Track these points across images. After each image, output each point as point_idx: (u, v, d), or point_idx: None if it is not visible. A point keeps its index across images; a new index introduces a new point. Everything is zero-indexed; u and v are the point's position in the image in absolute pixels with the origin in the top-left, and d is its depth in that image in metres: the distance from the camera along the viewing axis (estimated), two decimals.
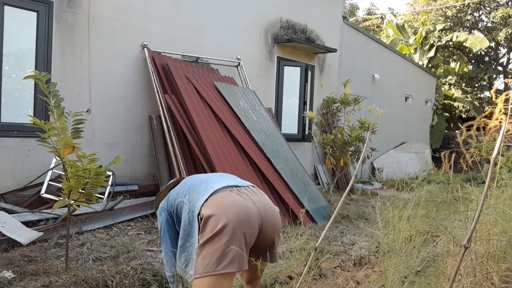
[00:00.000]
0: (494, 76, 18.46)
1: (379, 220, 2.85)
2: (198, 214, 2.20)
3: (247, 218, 2.14)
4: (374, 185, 9.47)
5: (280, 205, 5.61)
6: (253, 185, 2.43)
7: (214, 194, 2.23)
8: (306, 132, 8.81)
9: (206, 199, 2.20)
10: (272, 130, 6.53)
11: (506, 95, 2.40)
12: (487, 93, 19.08)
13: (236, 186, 2.32)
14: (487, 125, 2.66)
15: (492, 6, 17.97)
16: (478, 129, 2.74)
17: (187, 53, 6.53)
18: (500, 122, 2.49)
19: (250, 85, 7.16)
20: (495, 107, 2.59)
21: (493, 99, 2.54)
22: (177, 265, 2.40)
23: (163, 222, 2.57)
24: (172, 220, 2.54)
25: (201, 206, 2.19)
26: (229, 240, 2.06)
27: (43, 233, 3.97)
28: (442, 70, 19.30)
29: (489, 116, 2.75)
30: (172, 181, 2.86)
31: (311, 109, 8.90)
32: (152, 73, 5.73)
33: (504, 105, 2.41)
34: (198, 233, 2.21)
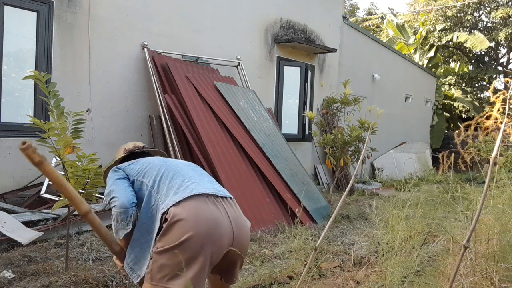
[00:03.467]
0: (494, 76, 18.45)
1: (379, 220, 2.86)
2: (165, 213, 1.97)
3: (219, 237, 1.96)
4: (374, 185, 9.48)
5: (280, 205, 5.62)
6: (231, 196, 2.19)
7: (189, 198, 1.99)
8: (306, 132, 8.82)
9: (179, 201, 1.97)
10: (272, 130, 6.53)
11: (503, 94, 2.39)
12: (487, 93, 19.06)
13: (214, 196, 2.08)
14: (484, 124, 2.66)
15: (492, 6, 17.96)
16: (476, 129, 2.74)
17: (187, 53, 6.54)
18: (496, 121, 2.49)
19: (250, 85, 7.16)
20: (494, 107, 2.58)
21: (491, 98, 2.53)
22: (125, 260, 2.16)
23: (120, 177, 2.18)
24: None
25: (171, 206, 1.96)
26: (194, 257, 1.90)
27: (43, 233, 3.98)
28: (442, 70, 19.28)
29: (487, 116, 2.74)
30: (130, 146, 2.48)
31: (311, 109, 8.90)
32: (152, 73, 5.73)
33: (501, 105, 2.41)
34: (158, 232, 2.01)
